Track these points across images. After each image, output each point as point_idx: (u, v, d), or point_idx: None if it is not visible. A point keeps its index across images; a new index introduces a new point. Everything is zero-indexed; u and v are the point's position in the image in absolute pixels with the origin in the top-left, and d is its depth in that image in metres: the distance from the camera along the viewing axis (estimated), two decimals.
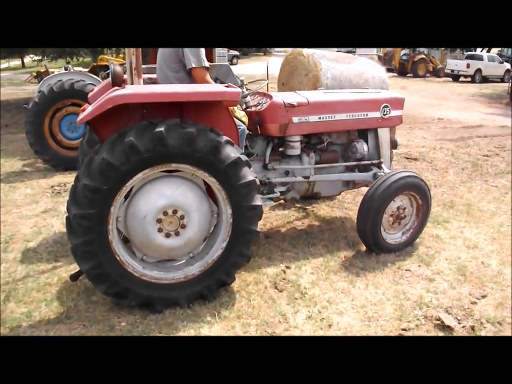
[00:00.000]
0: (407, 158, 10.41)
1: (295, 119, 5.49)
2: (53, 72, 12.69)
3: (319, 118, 5.63)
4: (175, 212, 4.28)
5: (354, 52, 52.10)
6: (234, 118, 4.83)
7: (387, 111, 6.02)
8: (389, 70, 35.24)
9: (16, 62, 47.55)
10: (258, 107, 5.55)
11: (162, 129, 3.97)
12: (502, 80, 34.51)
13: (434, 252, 5.72)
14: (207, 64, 4.95)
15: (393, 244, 5.64)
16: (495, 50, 47.03)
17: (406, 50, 39.21)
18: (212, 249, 4.53)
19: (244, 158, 4.33)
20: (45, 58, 20.14)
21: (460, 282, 5.02)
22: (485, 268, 5.36)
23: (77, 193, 4.01)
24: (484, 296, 4.76)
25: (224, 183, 4.29)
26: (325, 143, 5.90)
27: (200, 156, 4.13)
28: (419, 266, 5.36)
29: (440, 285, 4.98)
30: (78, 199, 3.99)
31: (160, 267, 4.53)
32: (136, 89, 4.28)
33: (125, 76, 4.66)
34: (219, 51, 23.93)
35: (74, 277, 4.68)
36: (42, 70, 16.39)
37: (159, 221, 4.26)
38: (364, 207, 5.42)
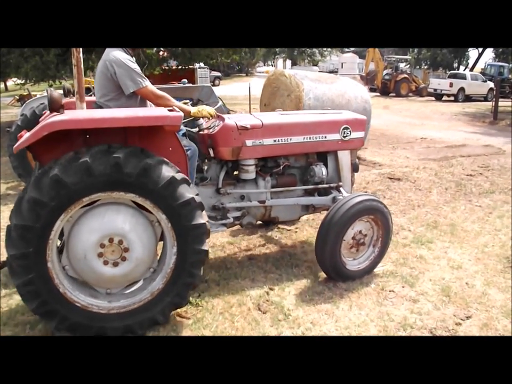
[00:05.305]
0: (390, 178, 10.42)
1: (249, 142, 5.33)
2: (36, 95, 12.65)
3: (274, 140, 5.46)
4: (111, 240, 4.13)
5: (336, 72, 52.65)
6: (185, 140, 4.77)
7: (347, 133, 5.86)
8: (371, 90, 35.61)
9: None
10: (211, 130, 5.37)
11: (87, 158, 3.84)
12: (485, 99, 34.73)
13: (418, 272, 5.71)
14: (144, 83, 4.88)
15: (355, 271, 5.47)
16: (478, 69, 47.58)
17: (388, 70, 39.58)
18: (166, 257, 4.37)
19: (179, 176, 4.17)
20: (28, 81, 20.08)
21: (444, 303, 5.01)
22: (469, 288, 5.35)
23: (11, 233, 3.89)
24: (468, 317, 4.74)
25: (160, 204, 4.14)
26: (281, 167, 5.71)
27: (131, 180, 4.00)
28: (403, 287, 5.34)
29: (424, 306, 4.95)
30: (13, 239, 3.87)
31: (126, 294, 4.41)
32: (74, 114, 4.13)
33: (64, 100, 4.38)
34: (201, 72, 23.98)
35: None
36: (24, 93, 16.43)
37: (100, 255, 4.12)
38: (322, 233, 5.26)
